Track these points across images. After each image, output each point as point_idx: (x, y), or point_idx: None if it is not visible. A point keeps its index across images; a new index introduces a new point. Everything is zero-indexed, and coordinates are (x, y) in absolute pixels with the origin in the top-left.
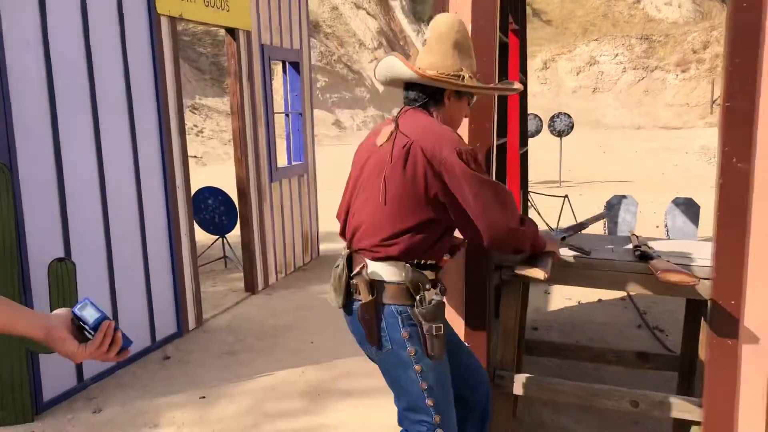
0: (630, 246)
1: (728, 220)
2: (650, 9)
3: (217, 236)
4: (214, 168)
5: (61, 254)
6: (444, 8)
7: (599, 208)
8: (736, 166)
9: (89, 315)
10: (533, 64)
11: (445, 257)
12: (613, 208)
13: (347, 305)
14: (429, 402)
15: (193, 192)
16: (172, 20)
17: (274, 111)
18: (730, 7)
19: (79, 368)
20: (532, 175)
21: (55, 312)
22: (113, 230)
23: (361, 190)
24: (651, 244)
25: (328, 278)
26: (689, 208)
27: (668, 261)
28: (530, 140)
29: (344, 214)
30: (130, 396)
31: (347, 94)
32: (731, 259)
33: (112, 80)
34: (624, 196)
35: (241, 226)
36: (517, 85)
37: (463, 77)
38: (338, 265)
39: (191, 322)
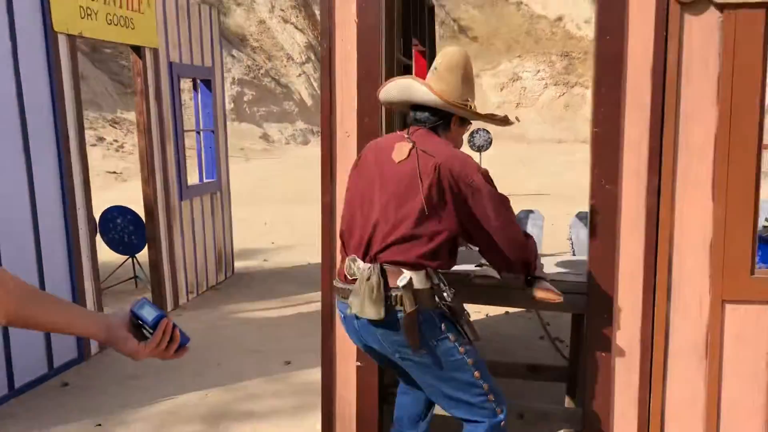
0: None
1: (600, 238)
2: (571, 27)
3: (127, 256)
4: (134, 183)
5: None
6: (331, 36)
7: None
8: (604, 188)
9: (147, 313)
10: None
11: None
12: (520, 222)
13: (386, 317)
14: (476, 374)
15: (102, 211)
16: (71, 38)
17: (184, 129)
18: (596, 39)
19: None
20: None
21: (113, 312)
22: (4, 247)
23: (383, 204)
24: (549, 260)
25: (242, 296)
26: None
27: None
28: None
29: (355, 227)
30: (21, 428)
31: (275, 108)
32: (602, 276)
33: (3, 100)
34: (531, 211)
35: (148, 245)
36: (513, 119)
37: (470, 106)
38: (369, 278)
39: (93, 347)
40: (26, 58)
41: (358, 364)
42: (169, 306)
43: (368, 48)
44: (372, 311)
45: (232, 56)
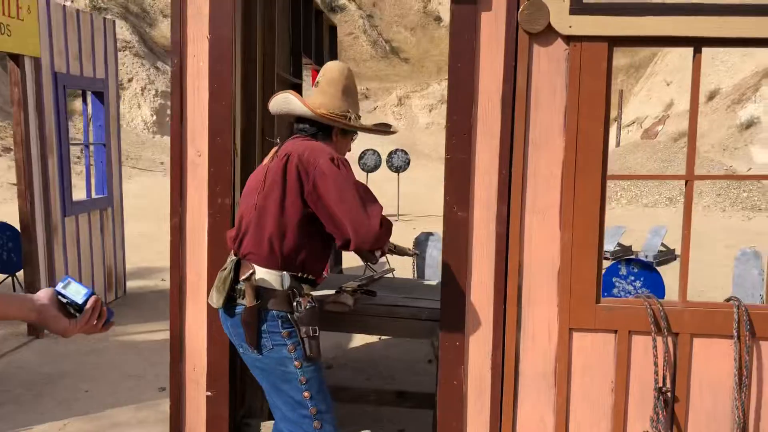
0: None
1: (451, 265)
2: None
3: (7, 274)
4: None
5: None
6: (182, 51)
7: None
8: (456, 214)
9: (76, 291)
10: (389, 100)
11: (325, 275)
12: (421, 245)
13: (229, 308)
14: (306, 394)
15: None
16: None
17: (70, 142)
18: (449, 69)
19: None
20: None
21: (39, 293)
22: None
23: (250, 203)
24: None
25: (131, 318)
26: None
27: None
28: (370, 175)
29: (237, 224)
30: None
31: None
32: (454, 303)
33: None
34: (431, 233)
35: (24, 263)
36: (393, 128)
37: (350, 118)
38: (225, 269)
39: None
40: None
41: (208, 393)
42: None
43: (221, 65)
44: (214, 299)
45: (157, 68)
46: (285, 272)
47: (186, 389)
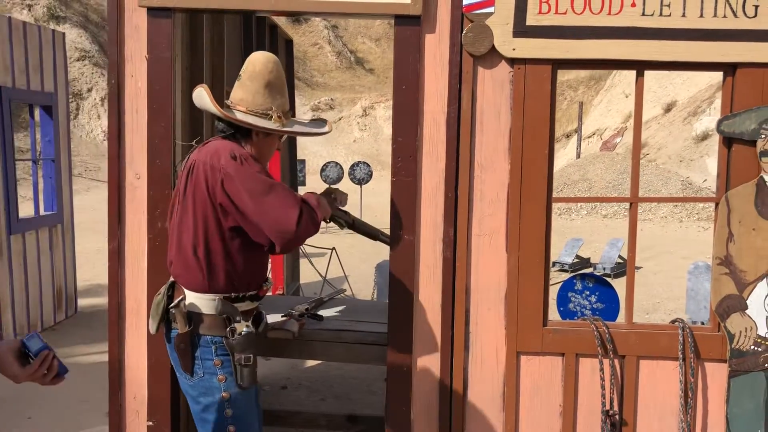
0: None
1: (398, 289)
2: None
3: None
4: None
5: None
6: (119, 70)
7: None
8: (403, 237)
9: (34, 344)
10: (354, 111)
11: (265, 287)
12: (382, 269)
13: (166, 333)
14: (231, 429)
15: None
16: None
17: (16, 158)
18: (393, 90)
19: None
20: None
21: (4, 340)
22: None
23: (173, 222)
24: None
25: (80, 338)
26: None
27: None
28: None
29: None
30: None
31: None
32: (401, 327)
33: None
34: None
35: None
36: (326, 128)
37: (271, 116)
38: (159, 293)
39: None
40: None
41: (149, 423)
42: None
43: (160, 85)
44: (151, 325)
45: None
46: (216, 295)
47: (126, 419)
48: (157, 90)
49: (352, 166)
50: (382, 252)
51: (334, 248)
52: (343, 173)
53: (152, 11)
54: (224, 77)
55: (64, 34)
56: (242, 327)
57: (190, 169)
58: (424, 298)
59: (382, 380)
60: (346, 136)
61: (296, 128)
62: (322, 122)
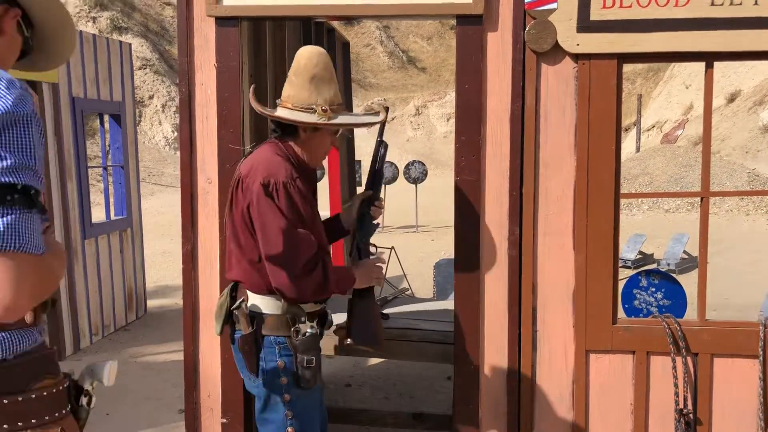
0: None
1: (464, 288)
2: None
3: None
4: None
5: None
6: (190, 79)
7: (446, 254)
8: (467, 237)
9: None
10: (407, 110)
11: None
12: (441, 269)
13: (231, 335)
14: (289, 430)
15: None
16: None
17: (88, 165)
18: (456, 89)
19: None
20: (392, 221)
21: None
22: None
23: (227, 225)
24: (420, 306)
25: (150, 338)
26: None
27: None
28: (388, 187)
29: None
30: None
31: None
32: (467, 326)
33: None
34: (452, 260)
35: None
36: (380, 117)
37: (315, 110)
38: (223, 295)
39: None
40: None
41: (223, 420)
42: (69, 350)
43: (228, 92)
44: (215, 327)
45: (176, 85)
46: (279, 295)
47: (201, 416)
48: (225, 97)
49: (407, 165)
50: (439, 251)
51: (392, 247)
52: (398, 173)
53: (220, 21)
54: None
55: (130, 45)
56: (306, 327)
57: (237, 182)
58: (489, 297)
59: (445, 379)
60: (400, 136)
61: (341, 119)
62: (375, 113)
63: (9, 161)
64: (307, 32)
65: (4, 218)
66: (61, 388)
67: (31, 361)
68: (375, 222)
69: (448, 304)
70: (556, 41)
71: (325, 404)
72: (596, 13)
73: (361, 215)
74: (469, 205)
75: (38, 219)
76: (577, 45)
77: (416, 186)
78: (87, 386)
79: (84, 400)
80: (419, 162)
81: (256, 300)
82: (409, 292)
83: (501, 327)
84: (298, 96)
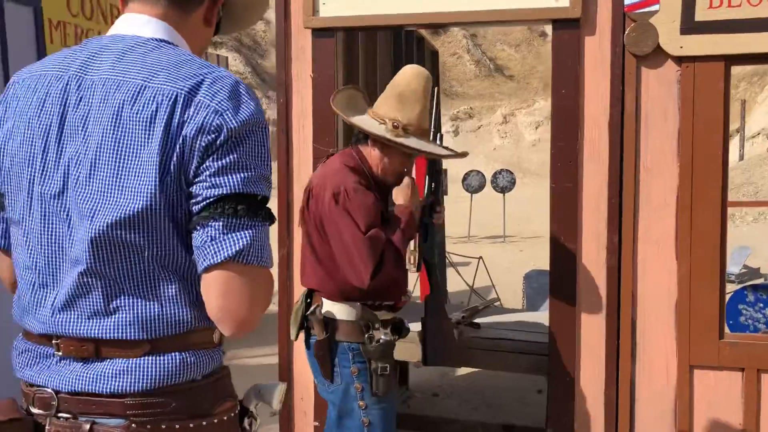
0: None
1: (559, 299)
2: None
3: None
4: None
5: None
6: (287, 89)
7: (535, 265)
8: (563, 246)
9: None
10: (494, 119)
11: (404, 298)
12: (531, 279)
13: (306, 340)
14: None
15: None
16: None
17: None
18: (552, 94)
19: None
20: (478, 230)
21: None
22: None
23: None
24: (509, 317)
25: (243, 341)
26: (543, 277)
27: None
28: (474, 196)
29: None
30: None
31: None
32: (563, 338)
33: None
34: (541, 271)
35: None
36: (447, 153)
37: (389, 126)
38: (298, 300)
39: None
40: None
41: (315, 423)
42: None
43: (324, 101)
44: (291, 332)
45: (268, 97)
46: (353, 302)
47: (295, 419)
48: (321, 107)
49: (495, 174)
50: (527, 261)
51: (481, 257)
52: (485, 181)
53: (316, 32)
54: (377, 91)
55: (227, 58)
56: (380, 334)
57: (308, 192)
58: (586, 308)
59: (535, 392)
60: (486, 145)
61: (408, 141)
62: (454, 152)
63: (252, 171)
64: (397, 42)
65: (249, 231)
66: (236, 412)
67: (216, 382)
68: (437, 230)
69: (539, 315)
70: (658, 44)
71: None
72: (702, 14)
73: (424, 225)
74: (565, 212)
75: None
76: (681, 47)
77: (504, 195)
78: (252, 408)
79: (247, 422)
80: (507, 170)
81: (330, 306)
82: (498, 303)
83: (598, 338)
84: (381, 107)
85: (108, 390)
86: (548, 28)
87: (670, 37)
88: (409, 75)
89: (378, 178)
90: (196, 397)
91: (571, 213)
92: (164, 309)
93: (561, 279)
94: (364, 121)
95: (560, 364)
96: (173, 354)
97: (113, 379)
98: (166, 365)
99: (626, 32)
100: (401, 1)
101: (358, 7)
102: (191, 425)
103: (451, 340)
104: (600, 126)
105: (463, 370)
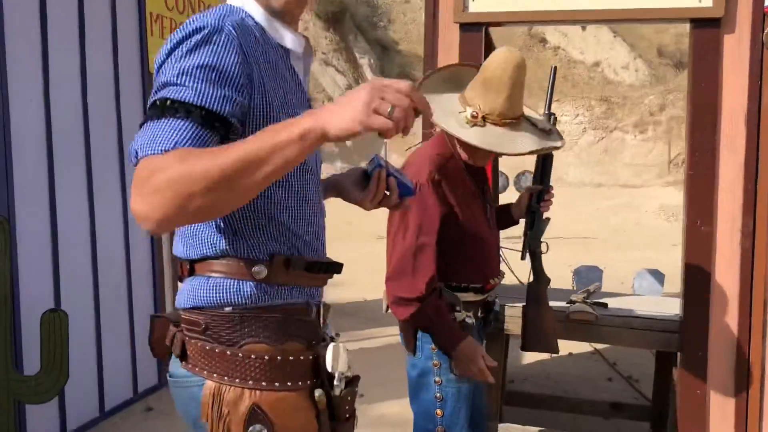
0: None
1: (694, 278)
2: (608, 72)
3: None
4: None
5: (52, 305)
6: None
7: (564, 264)
8: (700, 229)
9: (371, 167)
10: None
11: (493, 281)
12: (581, 275)
13: None
14: (438, 412)
15: None
16: None
17: None
18: (690, 85)
19: (63, 420)
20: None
21: (353, 168)
22: (101, 282)
23: None
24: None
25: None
26: (655, 276)
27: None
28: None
29: None
30: None
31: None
32: (697, 314)
33: (106, 138)
34: (592, 267)
35: None
36: (530, 147)
37: (466, 115)
38: None
39: None
40: (127, 100)
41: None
42: None
43: None
44: (383, 304)
45: None
46: (441, 283)
47: None
48: None
49: (518, 175)
50: (558, 260)
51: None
52: (508, 183)
53: (464, 27)
54: None
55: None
56: (462, 316)
57: None
58: (720, 288)
59: (605, 380)
60: None
61: (481, 137)
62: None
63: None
64: None
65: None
66: (275, 359)
67: (244, 317)
68: (545, 218)
69: (646, 299)
70: None
71: (483, 393)
72: None
73: (531, 212)
74: (701, 197)
75: None
76: None
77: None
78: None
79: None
80: (530, 172)
81: None
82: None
83: (731, 316)
84: (469, 91)
85: (178, 304)
86: (548, 35)
87: None
88: (496, 60)
89: (468, 162)
90: (221, 325)
91: (708, 199)
92: (197, 229)
93: (696, 259)
94: (445, 111)
95: (692, 340)
96: (201, 277)
97: (179, 295)
98: (194, 286)
99: (765, 31)
100: None
101: (505, 3)
102: (216, 350)
103: (551, 326)
104: (737, 118)
105: (528, 359)
